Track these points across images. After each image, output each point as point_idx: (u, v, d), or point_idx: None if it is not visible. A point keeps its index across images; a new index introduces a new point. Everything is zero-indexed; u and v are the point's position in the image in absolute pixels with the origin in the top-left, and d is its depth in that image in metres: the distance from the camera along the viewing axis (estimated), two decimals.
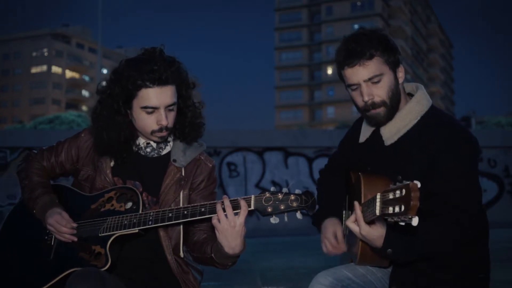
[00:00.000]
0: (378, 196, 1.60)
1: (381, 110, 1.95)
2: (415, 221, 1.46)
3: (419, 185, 1.47)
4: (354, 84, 1.95)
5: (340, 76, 2.02)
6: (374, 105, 1.94)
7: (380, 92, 1.93)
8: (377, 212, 1.60)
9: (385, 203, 1.55)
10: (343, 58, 1.95)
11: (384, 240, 1.74)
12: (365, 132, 2.11)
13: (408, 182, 1.48)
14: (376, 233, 1.73)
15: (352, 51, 1.92)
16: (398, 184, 1.53)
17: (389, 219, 1.54)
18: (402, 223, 1.50)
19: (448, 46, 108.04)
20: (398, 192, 1.51)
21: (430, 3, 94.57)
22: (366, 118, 2.05)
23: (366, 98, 1.93)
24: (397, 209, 1.49)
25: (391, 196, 1.53)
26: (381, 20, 68.11)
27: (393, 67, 1.95)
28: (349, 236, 2.08)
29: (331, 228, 2.12)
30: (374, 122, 2.02)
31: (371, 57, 1.91)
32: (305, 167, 10.63)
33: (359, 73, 1.92)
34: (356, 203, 1.69)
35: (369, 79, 1.92)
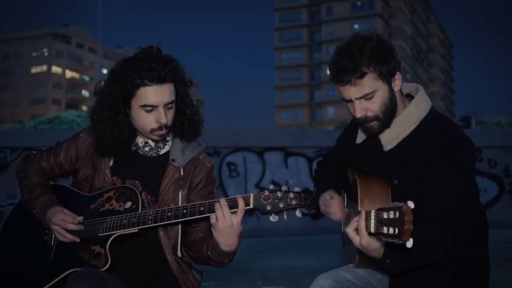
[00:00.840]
0: (373, 213, 1.59)
1: (374, 124, 1.93)
2: (409, 244, 1.45)
3: (412, 206, 1.46)
4: (347, 100, 1.93)
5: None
6: (367, 120, 1.92)
7: (373, 107, 1.90)
8: (372, 230, 1.59)
9: (380, 222, 1.54)
10: (334, 76, 1.90)
11: (384, 252, 1.72)
12: (363, 133, 2.10)
13: (401, 205, 1.47)
14: (377, 244, 1.70)
15: (343, 70, 1.86)
16: (391, 204, 1.52)
17: (384, 239, 1.53)
18: (397, 243, 1.49)
19: (448, 46, 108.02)
20: (392, 213, 1.49)
21: (430, 3, 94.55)
22: (361, 127, 2.04)
23: (358, 115, 1.91)
24: (391, 230, 1.48)
25: (385, 215, 1.52)
26: (381, 20, 68.12)
27: (388, 79, 1.89)
28: (348, 237, 2.07)
29: (327, 193, 2.12)
30: (369, 133, 2.01)
31: (362, 76, 1.85)
32: (305, 167, 10.63)
33: (350, 92, 1.89)
34: (363, 212, 1.66)
35: (361, 97, 1.89)
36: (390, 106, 1.92)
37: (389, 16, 73.23)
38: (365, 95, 1.87)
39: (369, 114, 1.91)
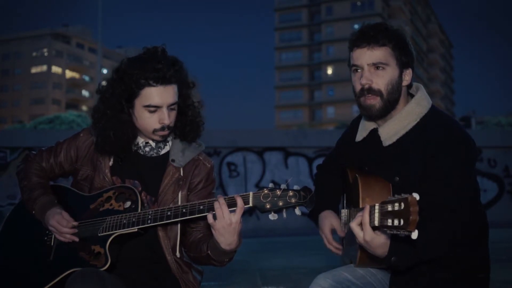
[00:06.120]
0: (377, 206, 1.58)
1: (376, 101, 1.93)
2: (414, 235, 1.45)
3: (417, 198, 1.45)
4: (357, 66, 1.95)
5: (349, 61, 2.03)
6: (370, 91, 1.93)
7: (379, 81, 1.93)
8: (376, 223, 1.58)
9: (384, 215, 1.53)
10: (355, 38, 1.97)
11: (389, 249, 1.71)
12: (363, 131, 2.10)
13: (406, 196, 1.46)
14: (381, 240, 1.69)
15: (366, 34, 1.94)
16: (396, 196, 1.51)
17: (388, 231, 1.53)
18: (402, 235, 1.49)
19: (448, 46, 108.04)
20: (396, 205, 1.49)
21: (430, 3, 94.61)
22: (360, 108, 2.02)
23: (364, 81, 1.93)
24: (396, 222, 1.48)
25: (389, 208, 1.51)
26: (381, 20, 68.06)
27: (401, 66, 1.95)
28: (349, 236, 2.07)
29: (327, 222, 2.14)
30: (367, 114, 1.99)
31: (382, 45, 1.92)
32: (305, 167, 10.65)
33: (365, 55, 1.93)
34: (367, 206, 1.66)
35: (373, 64, 1.92)
36: (395, 90, 1.95)
37: (389, 16, 73.21)
38: (378, 63, 1.92)
39: (374, 85, 1.93)
